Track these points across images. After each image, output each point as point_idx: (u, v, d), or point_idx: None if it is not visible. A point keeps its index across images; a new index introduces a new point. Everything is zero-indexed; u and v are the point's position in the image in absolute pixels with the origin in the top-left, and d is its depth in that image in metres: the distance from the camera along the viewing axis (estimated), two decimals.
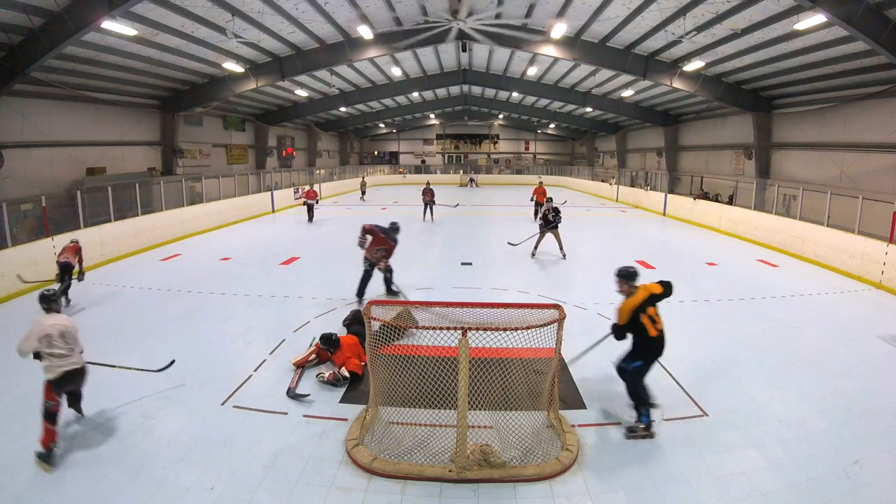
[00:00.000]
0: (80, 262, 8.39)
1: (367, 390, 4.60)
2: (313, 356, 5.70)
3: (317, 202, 18.06)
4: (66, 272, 8.00)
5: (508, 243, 12.33)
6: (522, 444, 4.08)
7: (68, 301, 8.08)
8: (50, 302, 4.39)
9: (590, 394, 5.08)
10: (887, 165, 12.92)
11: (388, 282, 8.23)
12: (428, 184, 18.70)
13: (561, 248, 11.40)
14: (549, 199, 11.82)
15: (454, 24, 11.97)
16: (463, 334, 3.68)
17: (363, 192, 26.79)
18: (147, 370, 5.24)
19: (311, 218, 17.64)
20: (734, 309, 7.86)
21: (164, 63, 14.53)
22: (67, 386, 4.15)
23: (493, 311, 4.21)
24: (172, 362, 5.41)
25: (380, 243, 7.86)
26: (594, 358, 5.92)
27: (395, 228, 8.08)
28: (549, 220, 11.20)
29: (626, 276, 4.48)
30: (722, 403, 4.88)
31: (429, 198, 17.75)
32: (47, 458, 3.91)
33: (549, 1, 13.17)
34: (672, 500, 3.58)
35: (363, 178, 29.39)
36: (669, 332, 6.87)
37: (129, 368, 5.19)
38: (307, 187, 18.76)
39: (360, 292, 7.97)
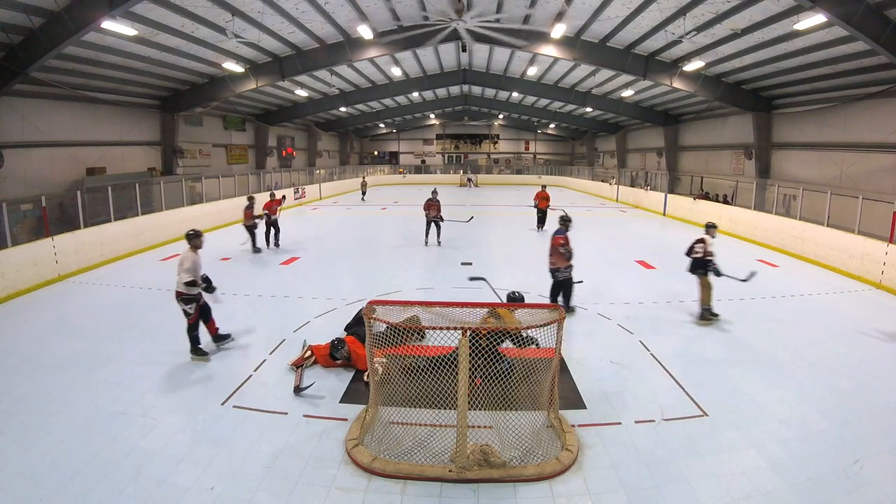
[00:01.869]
0: (249, 217, 11.82)
1: (366, 390, 4.60)
2: (308, 354, 5.71)
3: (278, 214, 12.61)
4: (260, 227, 12.16)
5: (744, 279, 7.30)
6: (522, 444, 4.08)
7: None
8: (188, 238, 6.30)
9: (590, 394, 5.08)
10: (887, 165, 12.92)
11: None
12: (434, 194, 13.04)
13: (709, 302, 7.28)
14: (711, 227, 7.39)
15: (454, 23, 11.97)
16: (463, 334, 3.68)
17: (363, 193, 26.83)
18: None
19: (274, 240, 12.50)
20: (734, 309, 7.85)
21: (164, 63, 14.52)
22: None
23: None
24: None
25: (568, 242, 7.39)
26: (594, 358, 5.95)
27: (564, 220, 7.56)
28: (707, 263, 7.17)
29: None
30: (722, 403, 4.88)
31: (434, 213, 12.69)
32: (221, 338, 6.29)
33: (550, 1, 13.17)
34: (672, 500, 3.58)
35: (363, 178, 29.42)
36: (670, 331, 6.96)
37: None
38: (268, 197, 12.75)
39: (568, 302, 7.48)
